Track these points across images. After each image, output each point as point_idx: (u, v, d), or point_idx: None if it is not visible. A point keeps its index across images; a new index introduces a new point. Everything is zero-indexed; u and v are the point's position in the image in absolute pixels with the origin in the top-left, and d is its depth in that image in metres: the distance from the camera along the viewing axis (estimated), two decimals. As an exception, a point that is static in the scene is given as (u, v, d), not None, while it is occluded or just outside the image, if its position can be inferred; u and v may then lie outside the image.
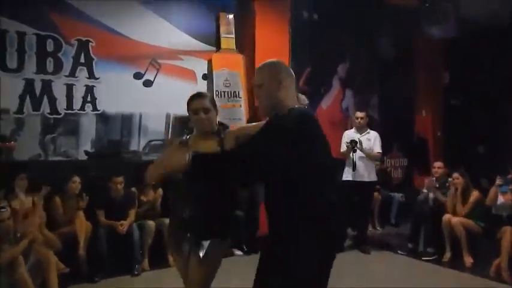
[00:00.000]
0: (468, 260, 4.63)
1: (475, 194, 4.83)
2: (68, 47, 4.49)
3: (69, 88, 4.47)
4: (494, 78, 6.43)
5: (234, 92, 5.57)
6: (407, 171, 7.33)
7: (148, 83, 5.02)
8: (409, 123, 7.59)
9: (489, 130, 6.74)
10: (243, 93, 5.60)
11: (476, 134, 6.96)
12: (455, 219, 4.74)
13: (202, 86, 5.47)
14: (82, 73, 4.57)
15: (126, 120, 4.88)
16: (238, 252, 5.07)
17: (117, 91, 4.75)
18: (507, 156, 6.09)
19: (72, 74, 4.50)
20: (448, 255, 4.82)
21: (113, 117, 4.76)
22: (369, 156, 5.15)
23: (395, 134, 7.13)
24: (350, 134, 5.25)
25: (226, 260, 5.10)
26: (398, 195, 6.67)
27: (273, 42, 5.76)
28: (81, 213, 4.13)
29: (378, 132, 5.51)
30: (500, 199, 4.58)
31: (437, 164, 5.38)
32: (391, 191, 6.72)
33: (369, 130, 5.33)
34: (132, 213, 4.45)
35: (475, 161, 6.78)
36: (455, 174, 4.96)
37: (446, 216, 4.82)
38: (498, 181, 4.56)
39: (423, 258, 4.93)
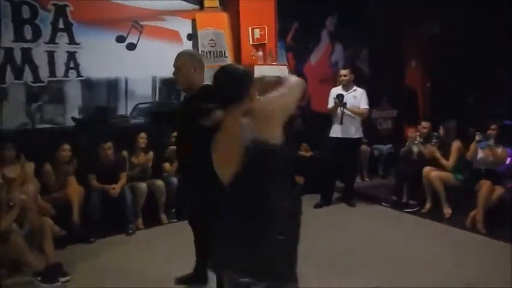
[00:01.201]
0: (447, 212, 4.84)
1: (455, 144, 4.95)
2: (45, 12, 4.40)
3: (50, 55, 4.45)
4: (485, 29, 6.33)
5: (220, 51, 5.53)
6: (396, 122, 7.42)
7: (131, 46, 4.99)
8: (399, 75, 7.57)
9: (479, 81, 6.74)
10: (229, 53, 5.58)
11: (465, 84, 6.97)
12: (434, 173, 4.90)
13: (187, 47, 5.42)
14: (62, 39, 4.52)
15: (112, 85, 4.90)
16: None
17: (100, 56, 4.73)
18: (494, 108, 6.17)
19: (52, 40, 4.45)
20: (428, 206, 5.03)
21: (98, 82, 4.78)
22: (354, 113, 5.21)
23: (385, 86, 7.15)
24: (336, 92, 5.28)
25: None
26: (386, 147, 6.81)
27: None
28: (72, 179, 4.28)
29: (367, 85, 5.54)
30: (480, 154, 4.71)
31: (424, 124, 5.43)
32: (380, 142, 6.84)
33: (355, 87, 5.34)
34: (124, 177, 4.61)
35: (464, 111, 6.88)
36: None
37: (426, 170, 4.98)
38: (477, 137, 4.66)
39: (405, 210, 5.15)
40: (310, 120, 6.37)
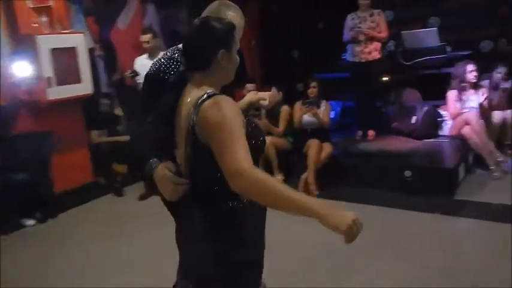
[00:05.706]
0: (279, 177, 4.58)
1: (284, 110, 4.71)
2: None
3: None
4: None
5: None
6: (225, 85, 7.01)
7: None
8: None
9: (302, 36, 6.69)
10: (-3, 20, 4.26)
11: (290, 40, 6.89)
12: (267, 140, 4.58)
13: None
14: None
15: None
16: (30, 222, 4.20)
17: None
18: (316, 61, 6.17)
19: None
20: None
21: None
22: None
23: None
24: (142, 61, 4.56)
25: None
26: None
27: None
28: None
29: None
30: (305, 116, 4.52)
31: (249, 86, 5.03)
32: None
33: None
34: None
35: (290, 67, 6.82)
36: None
37: (259, 137, 4.64)
38: (303, 105, 4.48)
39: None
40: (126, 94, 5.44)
